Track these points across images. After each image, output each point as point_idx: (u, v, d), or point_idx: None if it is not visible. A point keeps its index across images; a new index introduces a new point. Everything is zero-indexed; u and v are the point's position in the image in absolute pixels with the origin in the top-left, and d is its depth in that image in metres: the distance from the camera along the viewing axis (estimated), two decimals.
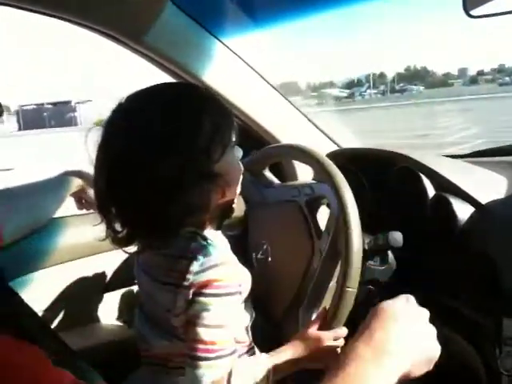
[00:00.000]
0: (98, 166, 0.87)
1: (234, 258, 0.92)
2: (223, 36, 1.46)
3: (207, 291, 0.84)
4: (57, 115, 29.34)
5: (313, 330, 1.02)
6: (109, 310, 1.45)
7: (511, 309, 1.03)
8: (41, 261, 1.28)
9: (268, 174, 1.38)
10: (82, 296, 1.39)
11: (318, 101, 46.38)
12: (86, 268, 1.39)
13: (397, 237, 1.12)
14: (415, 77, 72.12)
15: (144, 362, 1.02)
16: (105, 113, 0.88)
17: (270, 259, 1.25)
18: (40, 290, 1.25)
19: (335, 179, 1.06)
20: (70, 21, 1.26)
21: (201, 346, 0.83)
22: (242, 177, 0.98)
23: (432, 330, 0.81)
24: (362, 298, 1.17)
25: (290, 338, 1.02)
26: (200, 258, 0.86)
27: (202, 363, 0.83)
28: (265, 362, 0.95)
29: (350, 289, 1.01)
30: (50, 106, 34.61)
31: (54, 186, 1.26)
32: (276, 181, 1.38)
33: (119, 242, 0.92)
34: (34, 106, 34.45)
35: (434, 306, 1.22)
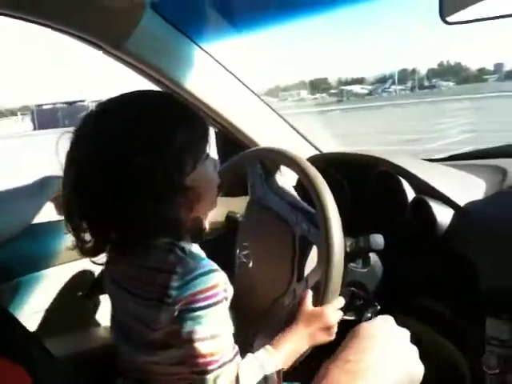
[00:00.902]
0: (66, 172, 0.86)
1: (215, 265, 0.88)
2: (203, 41, 1.46)
3: (195, 306, 0.83)
4: (71, 114, 28.77)
5: (308, 307, 1.03)
6: (100, 313, 1.43)
7: (493, 309, 1.05)
8: (24, 267, 1.27)
9: (279, 178, 1.30)
10: (70, 301, 1.37)
11: (336, 98, 44.83)
12: (74, 272, 1.38)
13: (378, 239, 1.13)
14: (448, 72, 68.31)
15: (123, 372, 1.00)
16: None
17: (251, 265, 1.25)
18: (24, 296, 1.23)
19: (316, 182, 1.07)
20: (50, 27, 1.26)
21: (201, 361, 0.83)
22: (216, 190, 0.97)
23: (414, 350, 0.79)
24: (345, 300, 1.18)
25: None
26: (179, 271, 0.84)
27: (207, 377, 0.82)
28: (270, 354, 0.94)
29: (336, 248, 1.02)
30: (64, 105, 33.95)
31: (33, 191, 1.24)
32: (285, 188, 1.29)
33: (87, 252, 0.90)
34: (49, 106, 33.81)
35: (417, 308, 1.25)
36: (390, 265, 1.25)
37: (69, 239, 0.91)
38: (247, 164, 1.31)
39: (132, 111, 0.86)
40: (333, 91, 51.76)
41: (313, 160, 1.17)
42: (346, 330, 1.13)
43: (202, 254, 0.97)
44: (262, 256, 1.24)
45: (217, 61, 1.52)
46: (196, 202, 0.89)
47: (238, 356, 0.88)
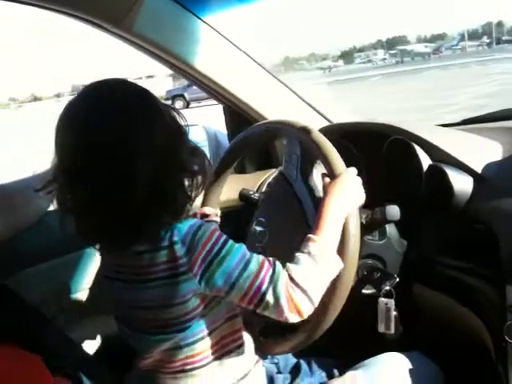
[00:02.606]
0: (61, 159, 0.83)
1: (200, 220, 0.93)
2: (206, 13, 1.42)
3: (211, 256, 0.85)
4: None
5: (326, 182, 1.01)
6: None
7: None
8: (37, 256, 1.26)
9: (315, 172, 1.22)
10: (80, 290, 1.37)
11: (393, 59, 41.80)
12: (82, 262, 1.37)
13: (394, 210, 1.11)
14: None
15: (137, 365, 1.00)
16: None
17: (264, 241, 1.23)
18: (37, 286, 1.23)
19: (327, 152, 1.04)
20: (48, 8, 1.23)
21: (254, 289, 0.85)
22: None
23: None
24: (362, 273, 1.17)
25: None
26: (176, 239, 0.85)
27: (267, 298, 0.85)
28: (317, 238, 0.92)
29: None
30: None
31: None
32: (317, 186, 1.22)
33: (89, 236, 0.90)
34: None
35: (436, 278, 1.23)
36: (408, 236, 1.23)
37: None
38: (285, 136, 1.28)
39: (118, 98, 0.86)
40: (392, 52, 47.46)
41: (324, 131, 1.13)
42: (365, 303, 1.13)
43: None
44: (277, 235, 1.22)
45: (221, 35, 1.48)
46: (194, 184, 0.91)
47: (278, 264, 0.88)
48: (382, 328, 1.17)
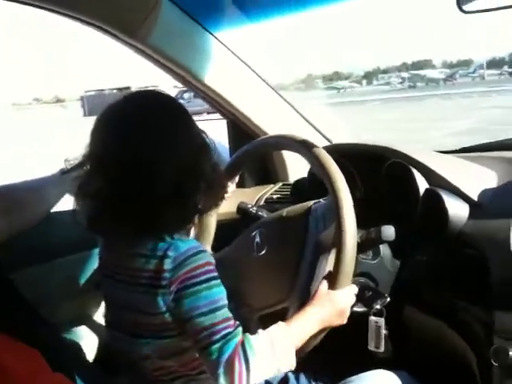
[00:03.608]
0: (110, 159, 0.89)
1: (204, 247, 0.96)
2: (218, 30, 1.46)
3: (190, 282, 0.87)
4: None
5: (324, 290, 1.03)
6: None
7: (502, 301, 1.05)
8: (39, 256, 1.27)
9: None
10: (80, 291, 1.38)
11: (408, 84, 39.99)
12: (86, 263, 1.38)
13: (389, 230, 1.13)
14: None
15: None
16: None
17: (263, 252, 1.24)
18: (39, 286, 1.23)
19: (331, 173, 1.06)
20: (64, 15, 1.26)
21: (204, 333, 0.86)
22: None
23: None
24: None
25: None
26: (170, 254, 0.88)
27: (213, 348, 0.85)
28: (285, 329, 0.94)
29: (349, 233, 1.02)
30: (112, 91, 33.76)
31: (54, 183, 1.25)
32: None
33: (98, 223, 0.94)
34: (97, 92, 33.74)
35: (425, 300, 1.25)
36: (401, 257, 1.25)
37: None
38: (288, 149, 1.30)
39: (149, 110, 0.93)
40: (404, 75, 45.10)
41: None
42: (355, 321, 1.14)
43: (191, 238, 1.04)
44: (275, 248, 1.22)
45: (231, 51, 1.51)
46: (207, 199, 0.96)
47: (240, 328, 0.89)
48: (372, 346, 1.18)
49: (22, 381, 0.55)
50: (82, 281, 1.37)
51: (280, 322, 0.95)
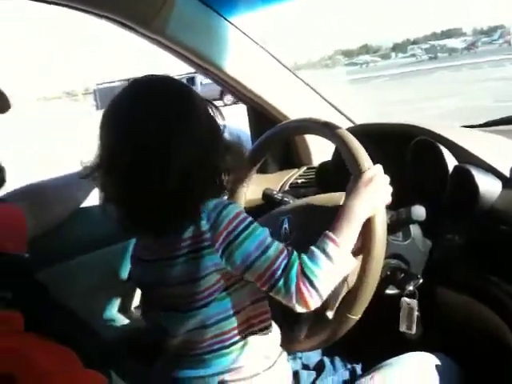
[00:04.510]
0: (107, 151, 0.89)
1: (229, 201, 0.97)
2: (234, 15, 1.44)
3: (233, 234, 0.89)
4: None
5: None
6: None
7: None
8: (69, 251, 1.28)
9: None
10: (115, 283, 1.39)
11: (428, 55, 37.44)
12: (116, 256, 1.39)
13: (419, 210, 1.11)
14: None
15: (166, 351, 1.02)
16: None
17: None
18: (69, 281, 1.25)
19: (353, 149, 1.05)
20: (77, 9, 1.25)
21: (269, 273, 0.89)
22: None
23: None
24: (385, 273, 1.17)
25: None
26: (203, 216, 0.90)
27: (280, 282, 0.89)
28: (331, 238, 0.93)
29: None
30: (123, 83, 33.62)
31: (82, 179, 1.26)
32: None
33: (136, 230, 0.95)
34: (109, 85, 33.78)
35: (459, 280, 1.23)
36: (432, 236, 1.23)
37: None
38: (310, 133, 1.29)
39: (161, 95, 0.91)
40: (425, 46, 42.53)
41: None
42: (387, 304, 1.13)
43: None
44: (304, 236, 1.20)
45: (247, 36, 1.49)
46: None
47: (295, 254, 0.91)
48: (403, 327, 1.17)
49: (56, 379, 0.56)
50: (113, 274, 1.38)
51: (327, 232, 0.94)
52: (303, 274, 0.89)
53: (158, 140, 0.87)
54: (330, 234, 0.94)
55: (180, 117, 0.89)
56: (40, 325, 0.59)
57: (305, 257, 0.91)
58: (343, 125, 1.64)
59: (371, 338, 1.27)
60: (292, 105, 1.63)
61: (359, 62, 40.62)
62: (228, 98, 22.63)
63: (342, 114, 1.73)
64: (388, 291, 1.16)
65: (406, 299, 1.15)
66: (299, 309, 0.91)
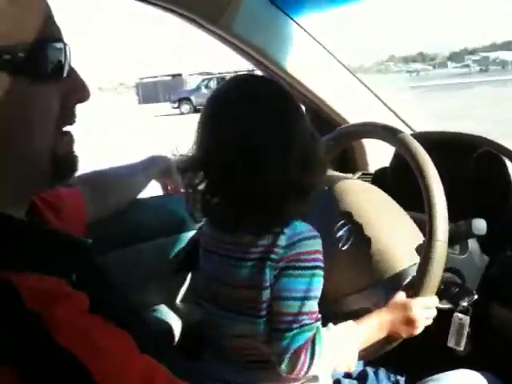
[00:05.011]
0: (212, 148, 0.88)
1: (315, 232, 0.92)
2: (297, 14, 1.43)
3: (298, 264, 0.87)
4: (170, 88, 28.92)
5: (401, 297, 1.02)
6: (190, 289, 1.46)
7: None
8: (125, 240, 1.30)
9: None
10: (164, 275, 1.40)
11: (479, 67, 37.35)
12: (172, 247, 1.41)
13: (481, 224, 1.07)
14: None
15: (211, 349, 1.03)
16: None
17: (346, 247, 1.20)
18: (125, 269, 1.26)
19: (422, 162, 1.03)
20: (147, 2, 1.27)
21: (288, 318, 0.86)
22: None
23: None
24: (439, 287, 1.13)
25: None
26: (287, 232, 0.88)
27: (287, 334, 0.86)
28: (352, 327, 0.95)
29: (439, 242, 0.98)
30: (165, 78, 34.01)
31: (142, 170, 1.29)
32: None
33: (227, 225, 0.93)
34: (152, 79, 34.33)
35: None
36: (490, 252, 1.19)
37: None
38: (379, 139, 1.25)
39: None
40: (476, 58, 42.40)
41: None
42: (438, 318, 1.10)
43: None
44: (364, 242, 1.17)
45: (312, 36, 1.48)
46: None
47: (319, 322, 0.90)
48: (452, 343, 1.14)
49: (115, 360, 0.57)
50: (169, 264, 1.40)
51: (349, 321, 0.95)
52: (312, 343, 0.87)
53: (256, 142, 0.85)
54: (353, 325, 0.95)
55: (289, 123, 0.88)
56: (103, 308, 0.60)
57: (321, 330, 0.89)
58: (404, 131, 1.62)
59: (417, 351, 1.24)
60: (353, 109, 1.61)
61: (410, 70, 39.71)
62: None
63: (402, 120, 1.70)
64: (440, 305, 1.13)
65: (458, 315, 1.12)
66: (280, 369, 0.88)
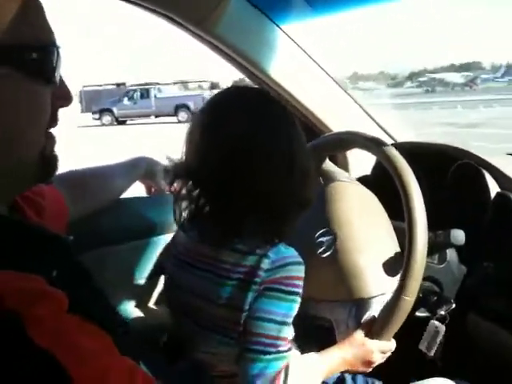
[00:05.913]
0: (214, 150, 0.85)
1: (300, 258, 0.90)
2: (284, 22, 1.43)
3: (278, 287, 0.85)
4: (114, 97, 28.54)
5: (360, 336, 1.03)
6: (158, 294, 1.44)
7: None
8: (101, 240, 1.29)
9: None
10: (142, 277, 1.39)
11: (421, 89, 38.55)
12: (148, 249, 1.39)
13: (459, 234, 1.09)
14: None
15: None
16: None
17: (327, 254, 1.20)
18: (100, 270, 1.25)
19: (403, 174, 1.04)
20: (132, 2, 1.26)
21: (265, 341, 0.84)
22: None
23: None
24: (418, 295, 1.14)
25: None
26: (271, 255, 0.86)
27: (263, 357, 0.84)
28: (318, 360, 0.97)
29: (407, 298, 1.00)
30: (109, 87, 33.54)
31: (123, 171, 1.29)
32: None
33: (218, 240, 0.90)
34: (94, 88, 33.72)
35: (492, 309, 1.20)
36: (467, 262, 1.20)
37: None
38: (360, 148, 1.25)
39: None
40: (422, 79, 43.73)
41: None
42: (415, 326, 1.11)
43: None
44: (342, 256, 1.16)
45: (297, 44, 1.49)
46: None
47: (293, 350, 0.90)
48: (423, 346, 1.15)
49: (95, 361, 0.56)
50: (144, 267, 1.38)
51: (313, 354, 0.97)
52: (285, 371, 0.85)
53: (250, 158, 0.83)
54: (317, 358, 0.97)
55: (292, 142, 0.87)
56: (82, 308, 0.59)
57: (291, 360, 0.88)
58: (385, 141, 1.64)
59: (394, 358, 1.25)
60: (336, 117, 1.62)
61: (363, 88, 40.39)
62: (182, 116, 21.94)
63: (384, 130, 1.71)
64: (419, 313, 1.14)
65: (435, 322, 1.13)
66: None
